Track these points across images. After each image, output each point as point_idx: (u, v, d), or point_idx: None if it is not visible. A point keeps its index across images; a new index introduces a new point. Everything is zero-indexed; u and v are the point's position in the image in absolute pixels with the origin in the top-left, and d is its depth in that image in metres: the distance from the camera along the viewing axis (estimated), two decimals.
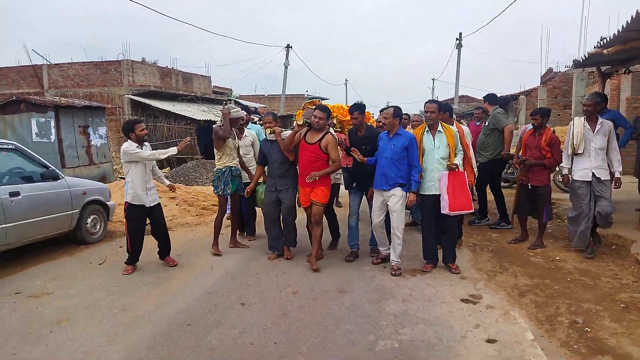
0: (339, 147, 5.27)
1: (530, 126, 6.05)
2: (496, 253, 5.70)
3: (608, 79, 10.95)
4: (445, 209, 4.82)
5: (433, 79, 60.27)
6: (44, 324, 3.85)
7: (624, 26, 5.29)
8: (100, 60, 20.76)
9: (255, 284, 4.73)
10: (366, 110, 6.24)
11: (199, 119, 18.73)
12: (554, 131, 5.94)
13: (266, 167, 5.67)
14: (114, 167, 13.54)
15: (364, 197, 5.60)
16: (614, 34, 5.78)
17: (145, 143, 5.32)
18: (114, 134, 17.33)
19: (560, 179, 6.18)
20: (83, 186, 6.52)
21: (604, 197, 5.16)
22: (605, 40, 6.20)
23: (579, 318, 3.79)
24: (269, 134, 5.50)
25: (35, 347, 3.46)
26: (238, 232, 6.39)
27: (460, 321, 3.80)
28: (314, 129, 5.19)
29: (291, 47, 28.79)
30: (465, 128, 6.66)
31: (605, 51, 6.24)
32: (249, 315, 3.96)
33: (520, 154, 6.07)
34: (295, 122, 5.35)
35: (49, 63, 21.31)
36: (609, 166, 5.27)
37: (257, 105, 26.27)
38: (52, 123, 10.94)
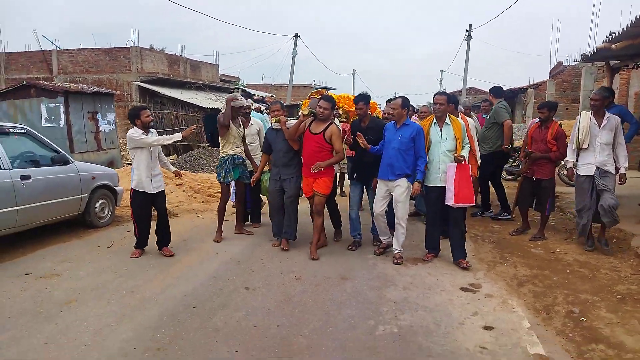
0: (344, 143, 5.31)
1: (537, 119, 6.07)
2: (497, 244, 5.77)
3: (617, 74, 10.91)
4: (450, 201, 4.85)
5: (441, 71, 59.98)
6: (54, 304, 3.98)
7: (633, 21, 5.29)
8: (109, 46, 20.89)
9: (260, 270, 4.84)
10: (373, 101, 6.29)
11: (206, 106, 18.82)
12: (560, 125, 5.96)
13: (271, 156, 5.74)
14: (122, 153, 13.68)
15: (365, 190, 5.63)
16: (623, 29, 5.78)
17: (152, 130, 5.36)
18: (122, 120, 17.45)
19: (565, 173, 6.21)
20: (92, 171, 6.63)
21: (606, 190, 5.13)
22: (614, 35, 6.20)
23: (576, 308, 3.86)
24: (275, 122, 5.56)
25: (45, 325, 3.58)
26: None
27: (459, 309, 3.88)
28: (318, 119, 5.24)
29: (299, 36, 28.71)
30: (470, 120, 6.70)
31: (613, 46, 6.23)
32: (253, 299, 4.06)
33: (527, 148, 6.10)
34: (300, 111, 5.40)
35: (58, 49, 21.47)
36: (614, 161, 5.23)
37: (264, 94, 26.31)
38: (62, 108, 11.07)
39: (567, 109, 21.38)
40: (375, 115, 6.84)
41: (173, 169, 5.87)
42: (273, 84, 39.65)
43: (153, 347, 3.22)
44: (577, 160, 5.44)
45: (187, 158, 14.55)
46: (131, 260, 5.14)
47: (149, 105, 18.15)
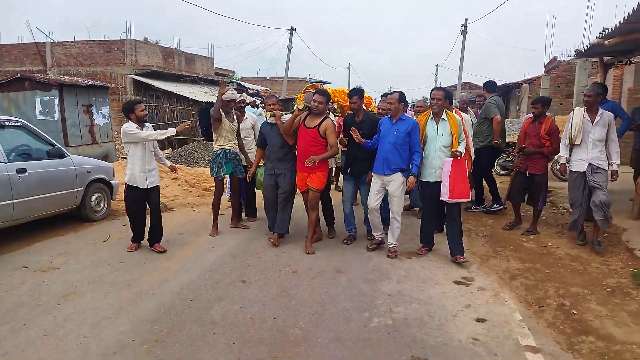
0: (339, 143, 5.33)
1: (531, 114, 6.13)
2: (490, 238, 5.84)
3: (610, 69, 11.00)
4: (445, 196, 4.86)
5: (437, 65, 59.88)
6: (52, 297, 4.01)
7: (625, 18, 5.34)
8: (103, 39, 20.74)
9: (256, 263, 4.88)
10: (368, 96, 6.31)
11: (201, 100, 18.77)
12: (554, 120, 6.02)
13: (266, 150, 5.74)
14: (116, 147, 13.65)
15: (360, 186, 5.64)
16: (616, 25, 5.83)
17: (147, 124, 5.32)
18: (116, 113, 17.39)
19: (558, 168, 6.27)
20: (88, 164, 6.64)
21: (597, 187, 5.11)
22: (607, 32, 6.25)
23: (567, 301, 3.94)
24: (270, 117, 5.57)
25: (43, 318, 3.61)
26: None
27: (452, 301, 3.95)
28: (313, 113, 5.24)
29: (295, 29, 28.61)
30: (465, 116, 6.74)
31: (606, 42, 6.28)
32: (249, 292, 4.11)
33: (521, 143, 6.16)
34: (295, 105, 5.41)
35: (52, 41, 21.28)
36: (607, 158, 5.23)
37: (259, 87, 26.24)
38: (56, 101, 11.03)
39: (561, 104, 21.49)
40: (370, 109, 6.89)
41: (169, 163, 5.82)
42: (268, 78, 39.51)
43: (151, 339, 3.26)
44: (570, 156, 5.48)
45: (182, 152, 14.50)
46: (127, 254, 5.17)
47: (144, 98, 18.09)
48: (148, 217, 5.38)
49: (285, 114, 5.53)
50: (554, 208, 7.40)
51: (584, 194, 5.28)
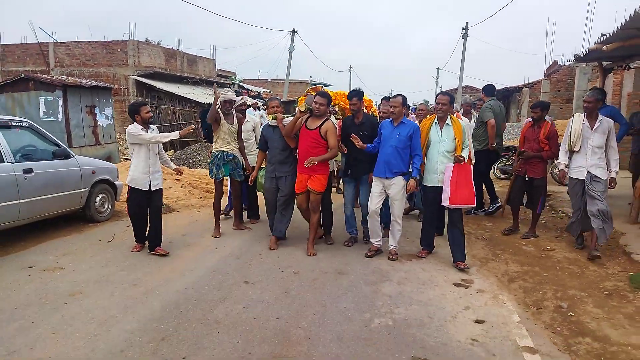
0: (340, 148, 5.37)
1: (530, 118, 6.20)
2: (490, 241, 5.92)
3: (610, 74, 11.08)
4: (445, 202, 4.86)
5: (438, 69, 60.09)
6: (59, 296, 4.08)
7: (623, 24, 5.42)
8: (105, 39, 20.88)
9: (258, 264, 4.96)
10: (369, 99, 6.38)
11: (203, 102, 18.86)
12: (553, 124, 6.09)
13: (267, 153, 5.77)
14: (119, 148, 13.73)
15: (360, 187, 5.69)
16: (614, 31, 5.92)
17: (152, 126, 5.38)
18: (118, 114, 17.50)
19: (557, 173, 6.34)
20: (92, 165, 6.71)
21: (595, 196, 5.08)
22: (605, 37, 6.34)
23: (564, 303, 4.01)
24: (272, 120, 5.64)
25: (51, 316, 3.68)
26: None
27: (451, 303, 4.03)
28: (314, 115, 5.28)
29: (296, 31, 28.72)
30: (465, 119, 6.82)
31: (604, 47, 6.38)
32: (253, 293, 4.19)
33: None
34: (297, 108, 5.45)
35: (55, 41, 21.42)
36: (606, 165, 5.19)
37: (260, 89, 26.34)
38: (60, 102, 11.12)
39: (561, 108, 21.59)
40: (371, 113, 6.96)
41: (174, 166, 5.82)
42: (269, 80, 39.65)
43: (157, 338, 3.34)
44: (569, 162, 5.42)
45: (184, 154, 14.63)
46: (132, 254, 5.24)
47: (146, 99, 18.18)
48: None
49: (287, 117, 5.59)
50: (553, 212, 7.47)
51: (583, 199, 5.31)
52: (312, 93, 6.24)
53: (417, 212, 7.26)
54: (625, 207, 6.78)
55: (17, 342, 3.25)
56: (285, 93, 28.10)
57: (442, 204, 4.92)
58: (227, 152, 5.93)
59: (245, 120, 6.53)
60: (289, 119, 5.48)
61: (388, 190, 5.09)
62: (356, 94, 5.43)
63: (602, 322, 3.69)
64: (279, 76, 37.50)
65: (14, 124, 5.81)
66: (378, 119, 6.25)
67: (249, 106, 7.51)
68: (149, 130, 5.22)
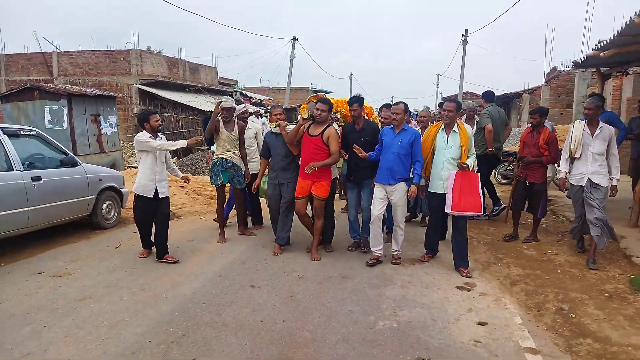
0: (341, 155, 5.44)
1: (529, 124, 6.30)
2: (492, 245, 5.99)
3: (609, 80, 11.19)
4: (448, 208, 4.89)
5: (438, 75, 60.36)
6: (69, 301, 4.16)
7: (619, 31, 5.52)
8: (108, 48, 21.05)
9: (264, 269, 5.04)
10: (370, 106, 6.47)
11: (205, 109, 18.99)
12: (551, 130, 6.17)
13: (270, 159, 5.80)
14: (123, 156, 13.85)
15: (362, 191, 5.74)
16: (610, 38, 6.02)
17: (160, 135, 5.47)
18: (122, 122, 17.63)
19: (558, 179, 6.41)
20: (99, 173, 6.82)
21: (592, 204, 5.09)
22: (602, 44, 6.44)
23: (565, 305, 4.08)
24: (274, 127, 5.73)
25: (62, 320, 3.76)
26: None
27: (454, 305, 4.10)
28: (316, 122, 5.36)
29: (297, 39, 28.94)
30: (467, 126, 6.92)
31: (602, 54, 6.47)
32: (259, 297, 4.26)
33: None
34: (300, 115, 5.52)
35: (58, 51, 21.60)
36: (608, 172, 5.17)
37: (262, 97, 26.51)
38: (65, 111, 11.23)
39: (561, 113, 21.69)
40: (372, 119, 7.05)
41: (181, 174, 5.88)
42: (271, 87, 39.86)
43: (167, 340, 3.41)
44: (571, 168, 5.42)
45: (187, 161, 14.73)
46: (139, 260, 5.33)
47: (149, 107, 18.33)
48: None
49: (290, 124, 5.68)
50: (554, 216, 7.55)
51: (584, 205, 5.34)
52: (314, 100, 6.34)
53: (418, 219, 7.35)
54: (626, 211, 6.85)
55: (30, 345, 3.33)
56: (286, 100, 28.28)
57: (445, 210, 4.95)
58: (226, 159, 6.00)
59: (247, 127, 6.58)
60: (291, 127, 5.56)
61: (390, 196, 5.14)
62: (356, 100, 5.49)
63: (602, 323, 3.76)
64: (280, 83, 37.73)
65: (22, 132, 5.93)
66: (379, 125, 6.34)
67: (250, 114, 7.61)
68: (157, 139, 5.31)
